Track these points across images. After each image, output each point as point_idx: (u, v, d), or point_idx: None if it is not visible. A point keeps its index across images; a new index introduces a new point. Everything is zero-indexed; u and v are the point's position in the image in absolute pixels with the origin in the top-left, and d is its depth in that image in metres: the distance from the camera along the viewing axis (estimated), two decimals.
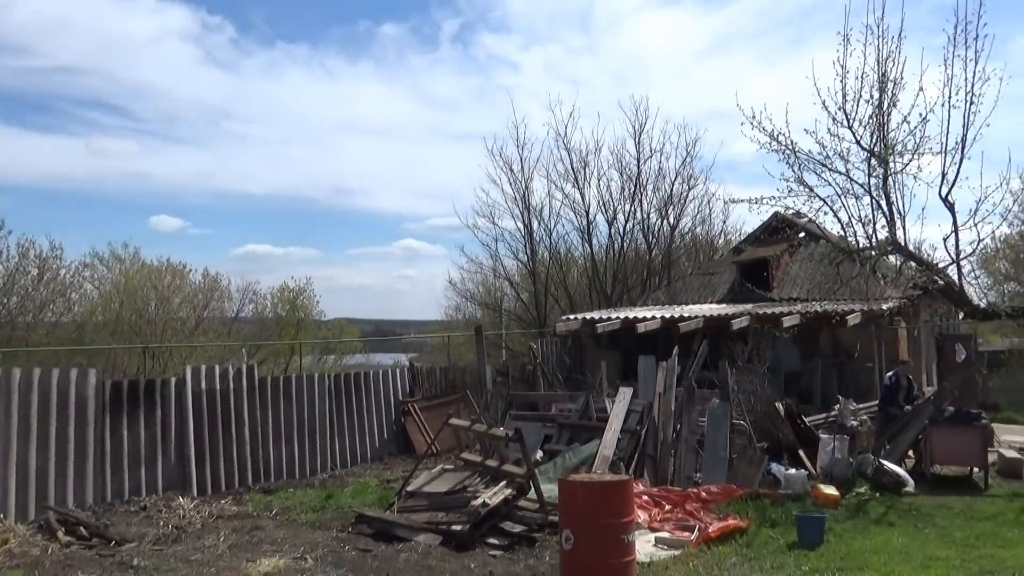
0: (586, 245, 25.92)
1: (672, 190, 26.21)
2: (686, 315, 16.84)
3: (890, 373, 13.75)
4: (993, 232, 12.13)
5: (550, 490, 9.94)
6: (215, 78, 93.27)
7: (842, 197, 12.29)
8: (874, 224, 12.35)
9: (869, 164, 12.15)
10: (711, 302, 20.04)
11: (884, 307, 15.43)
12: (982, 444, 11.27)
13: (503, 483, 8.85)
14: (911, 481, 10.89)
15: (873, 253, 12.48)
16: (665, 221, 26.05)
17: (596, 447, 11.03)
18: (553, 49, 78.65)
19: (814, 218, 12.39)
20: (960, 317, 16.17)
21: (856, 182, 12.24)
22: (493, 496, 8.49)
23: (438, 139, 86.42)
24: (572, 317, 18.77)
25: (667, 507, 9.56)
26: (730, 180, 68.25)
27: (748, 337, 15.07)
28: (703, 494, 9.85)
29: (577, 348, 18.68)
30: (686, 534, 8.36)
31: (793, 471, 10.54)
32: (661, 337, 16.98)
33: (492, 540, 8.14)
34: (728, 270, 21.10)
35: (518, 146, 27.21)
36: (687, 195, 26.37)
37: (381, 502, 9.83)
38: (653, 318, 17.05)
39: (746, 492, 9.77)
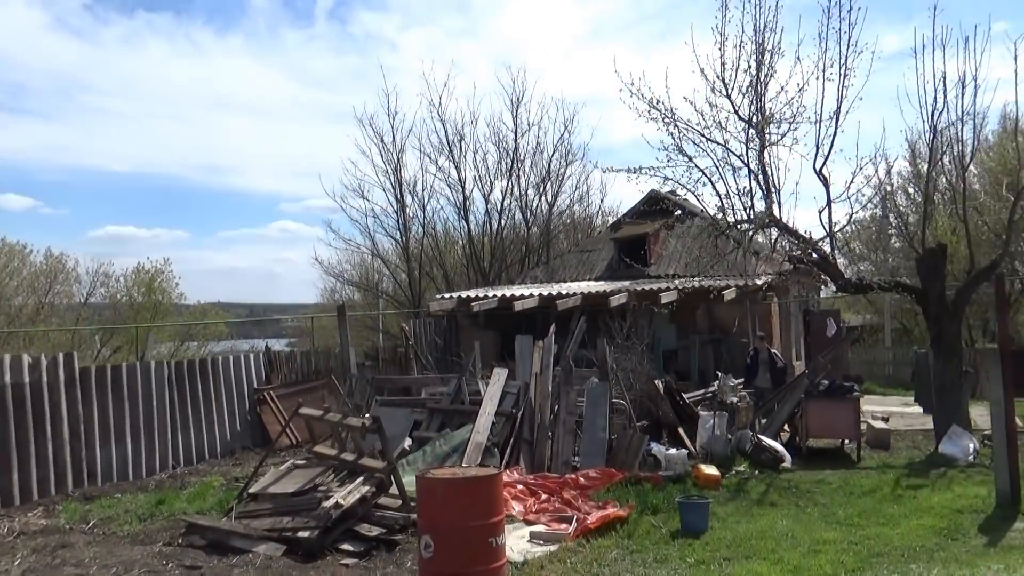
0: (463, 222, 24.87)
1: (550, 166, 25.55)
2: (564, 292, 16.17)
3: (750, 349, 13.58)
4: (863, 207, 12.05)
5: None
6: (67, 46, 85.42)
7: (720, 169, 11.89)
8: (751, 197, 12.04)
9: (747, 135, 11.79)
10: (589, 279, 19.55)
11: (758, 282, 15.30)
12: (855, 417, 11.15)
13: (360, 479, 7.72)
14: (788, 456, 10.61)
15: (751, 226, 12.15)
16: (543, 198, 25.35)
17: (469, 433, 10.08)
18: (433, 30, 76.85)
19: (693, 190, 11.90)
20: (832, 291, 16.33)
21: (734, 153, 11.86)
22: (347, 495, 7.35)
23: (315, 118, 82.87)
24: (447, 296, 17.75)
25: (543, 496, 8.74)
26: (608, 163, 68.92)
27: (627, 314, 14.56)
28: (582, 480, 9.11)
29: (453, 329, 17.68)
30: (563, 526, 7.55)
31: (673, 451, 9.98)
32: (540, 316, 16.28)
33: (346, 546, 7.01)
34: (606, 247, 20.68)
35: (389, 115, 25.69)
36: (565, 171, 25.77)
37: (222, 506, 8.46)
38: (531, 296, 16.29)
39: (626, 476, 9.10)
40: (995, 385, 7.88)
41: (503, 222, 24.58)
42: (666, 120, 11.61)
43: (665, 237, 19.94)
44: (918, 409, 18.18)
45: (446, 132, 25.23)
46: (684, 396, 11.83)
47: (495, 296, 16.65)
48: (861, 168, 10.95)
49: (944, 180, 12.35)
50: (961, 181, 12.00)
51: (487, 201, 24.80)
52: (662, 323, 17.35)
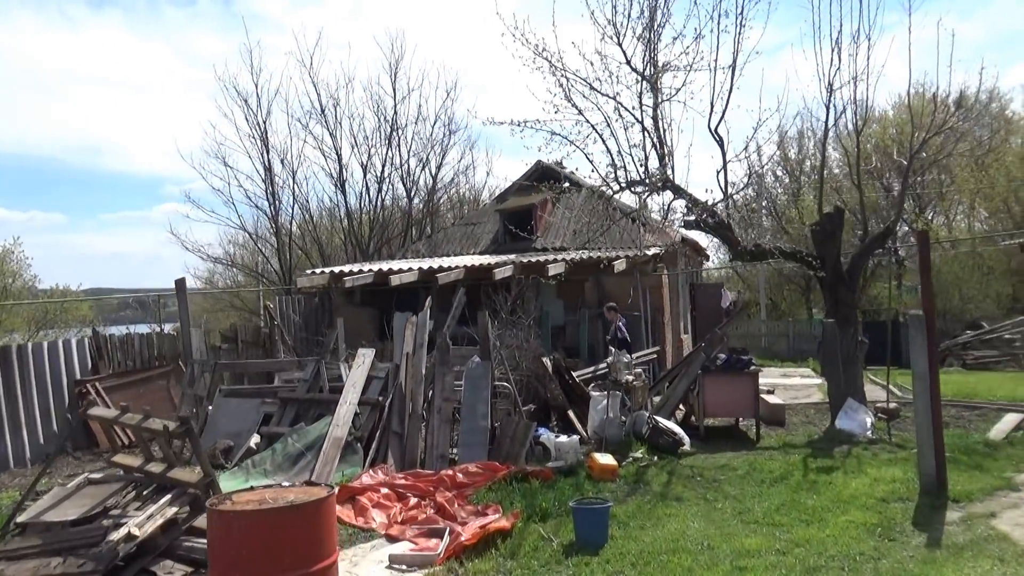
0: (339, 193, 22.45)
1: (432, 134, 23.50)
2: (446, 266, 14.42)
3: (621, 321, 12.36)
4: (761, 169, 10.91)
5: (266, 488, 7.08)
6: None
7: (611, 124, 10.42)
8: (645, 155, 10.68)
9: (640, 87, 10.38)
10: (474, 253, 17.88)
11: (649, 253, 14.10)
12: (754, 393, 10.02)
13: (168, 497, 5.73)
14: (687, 439, 9.33)
15: (645, 188, 10.80)
16: (427, 169, 23.31)
17: (327, 426, 8.22)
18: (319, 12, 72.45)
19: (582, 147, 10.37)
20: (722, 261, 15.36)
21: (625, 108, 10.42)
22: (145, 522, 5.36)
23: (199, 97, 76.58)
24: (318, 271, 15.60)
25: (413, 500, 7.03)
26: (495, 143, 66.70)
27: (512, 287, 13.02)
28: (460, 477, 7.45)
29: (327, 308, 15.59)
30: (433, 544, 5.85)
31: (564, 438, 8.48)
32: (422, 292, 14.48)
33: None
34: (492, 220, 19.06)
35: (252, 73, 22.87)
36: (449, 141, 23.76)
37: None
38: (410, 270, 14.45)
39: (511, 471, 7.50)
40: (918, 356, 6.77)
41: (384, 194, 22.38)
42: (553, 68, 10.01)
43: (552, 209, 18.51)
44: (800, 380, 17.76)
45: (319, 96, 22.71)
46: (574, 375, 10.38)
47: (371, 271, 14.69)
48: (762, 123, 9.75)
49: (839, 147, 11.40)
50: (856, 146, 11.08)
51: (365, 171, 22.49)
52: (550, 297, 15.94)
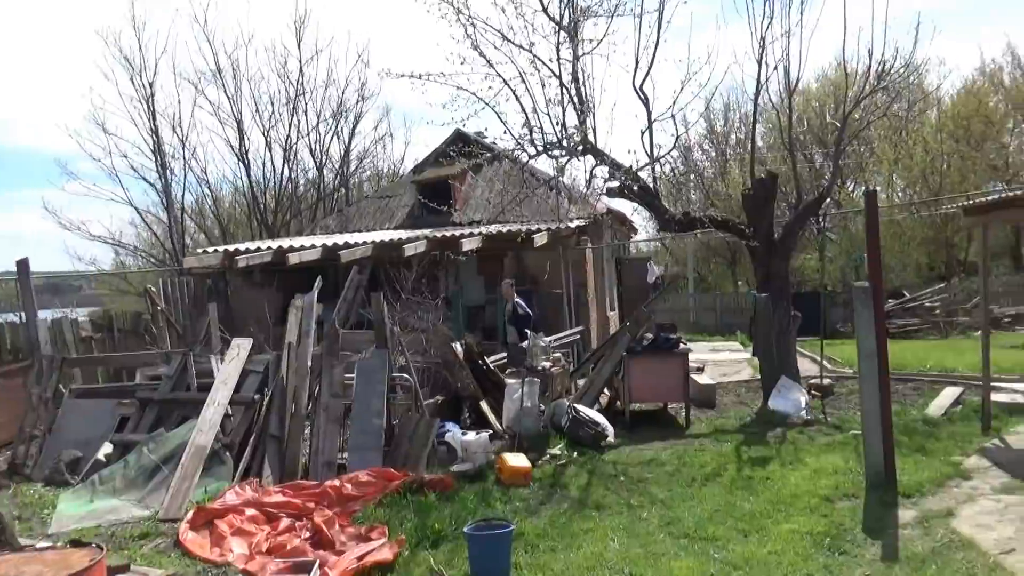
0: (241, 164, 20.56)
1: (343, 100, 21.73)
2: (352, 242, 13.07)
3: (519, 300, 11.35)
4: (687, 129, 9.97)
5: (112, 510, 5.90)
6: None
7: (526, 79, 9.29)
8: (563, 114, 9.60)
9: (558, 38, 9.27)
10: (388, 228, 16.54)
11: (572, 225, 13.09)
12: (684, 375, 9.15)
13: None
14: (611, 429, 8.37)
15: (563, 152, 9.74)
16: (338, 138, 21.60)
17: (191, 432, 6.90)
18: None
19: (493, 105, 9.21)
20: (652, 234, 14.46)
21: (541, 60, 9.30)
22: None
23: (112, 69, 70.90)
24: (210, 250, 14.02)
25: (285, 523, 5.82)
26: (414, 113, 63.46)
27: (422, 265, 11.80)
28: (348, 488, 6.28)
29: (223, 291, 14.03)
30: None
31: (472, 436, 7.39)
32: (331, 272, 13.14)
33: None
34: (408, 193, 17.71)
35: (135, 28, 20.72)
36: (362, 108, 22.09)
37: None
38: (312, 247, 13.04)
39: (407, 480, 6.37)
40: (865, 332, 5.92)
41: (291, 164, 20.56)
42: (459, 12, 8.80)
43: (472, 181, 17.27)
44: (729, 355, 17.21)
45: (215, 56, 20.72)
46: (488, 360, 9.29)
47: (269, 248, 13.21)
48: (691, 76, 8.78)
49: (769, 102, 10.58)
50: (787, 108, 10.25)
51: (268, 140, 20.62)
52: (469, 275, 14.81)
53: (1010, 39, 44.93)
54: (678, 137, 9.30)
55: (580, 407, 8.59)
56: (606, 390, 9.97)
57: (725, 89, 42.83)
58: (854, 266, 23.78)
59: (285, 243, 13.95)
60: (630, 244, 21.70)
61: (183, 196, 19.77)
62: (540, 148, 9.73)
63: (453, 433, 7.58)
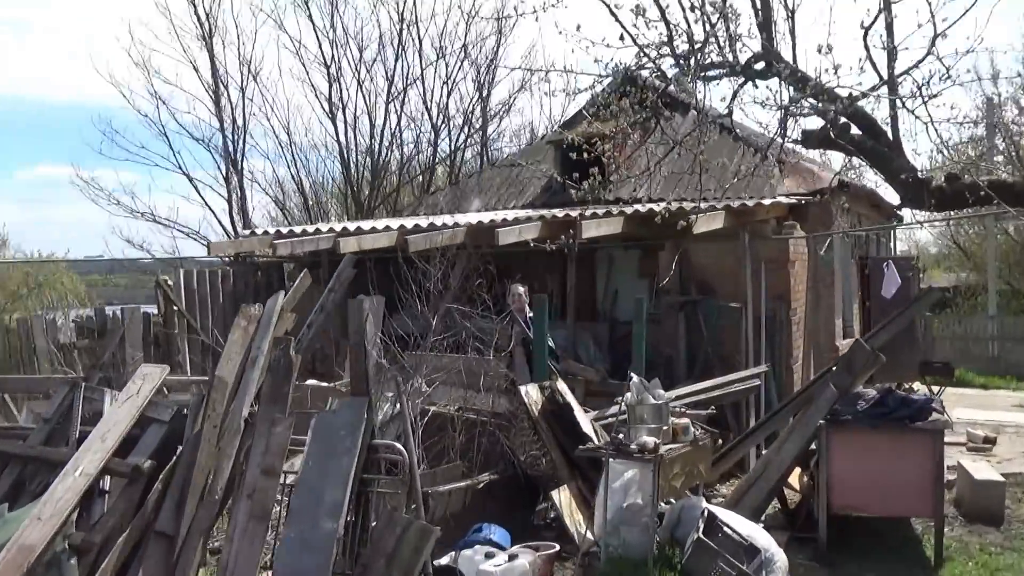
0: (329, 120, 18.98)
1: (468, 28, 19.32)
2: (439, 224, 11.32)
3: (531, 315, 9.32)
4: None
5: None
6: None
7: None
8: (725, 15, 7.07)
9: None
10: (515, 206, 14.65)
11: (766, 202, 10.33)
12: (933, 467, 6.15)
13: None
14: (781, 558, 5.67)
15: (732, 71, 7.24)
16: (458, 84, 19.66)
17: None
18: None
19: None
20: (897, 206, 11.03)
21: None
22: None
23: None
24: (246, 233, 13.02)
25: None
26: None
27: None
28: None
29: (275, 287, 12.91)
30: None
31: (503, 564, 5.07)
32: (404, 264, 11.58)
33: None
34: (547, 160, 15.64)
35: None
36: (499, 42, 19.73)
37: None
38: (385, 229, 11.49)
39: None
40: None
41: (392, 123, 18.97)
42: None
43: (640, 141, 14.80)
44: None
45: None
46: (580, 416, 6.88)
47: (329, 232, 11.81)
48: None
49: None
50: None
51: (361, 88, 19.10)
52: (627, 275, 12.61)
53: None
54: (936, 36, 6.19)
55: (727, 515, 5.96)
56: (794, 480, 7.19)
57: None
58: None
59: (352, 225, 12.47)
60: (888, 233, 17.86)
61: (242, 161, 18.77)
62: (693, 68, 7.25)
63: (476, 552, 5.31)
